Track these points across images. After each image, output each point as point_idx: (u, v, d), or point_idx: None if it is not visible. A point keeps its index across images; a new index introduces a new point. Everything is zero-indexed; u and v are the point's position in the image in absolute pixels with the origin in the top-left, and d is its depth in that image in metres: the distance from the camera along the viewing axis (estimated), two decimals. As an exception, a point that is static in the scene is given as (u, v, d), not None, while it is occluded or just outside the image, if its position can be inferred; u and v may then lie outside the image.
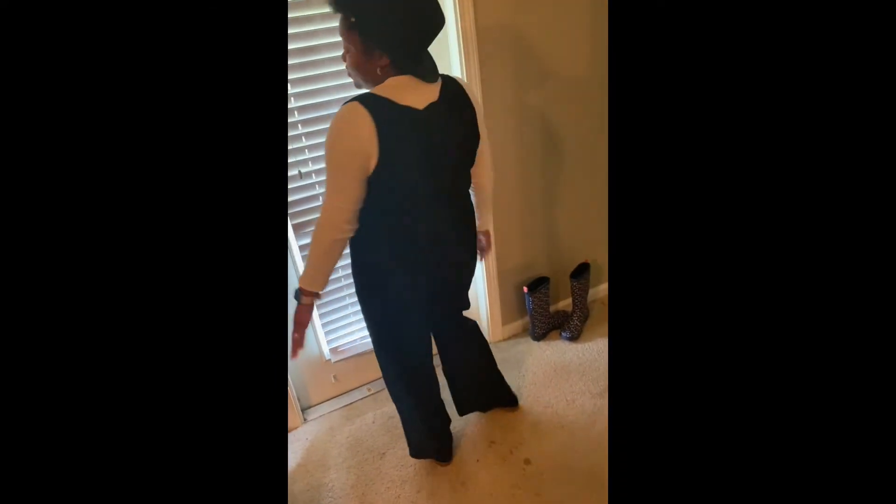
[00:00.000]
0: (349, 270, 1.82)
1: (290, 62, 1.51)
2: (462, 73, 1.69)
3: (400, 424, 1.68)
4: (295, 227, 1.69)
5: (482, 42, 1.68)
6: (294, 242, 1.71)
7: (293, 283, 1.79)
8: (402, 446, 1.77)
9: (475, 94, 1.11)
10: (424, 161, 1.12)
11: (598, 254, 2.32)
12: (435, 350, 1.62)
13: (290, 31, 1.48)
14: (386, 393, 2.04)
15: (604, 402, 1.82)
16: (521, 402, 1.89)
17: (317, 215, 1.70)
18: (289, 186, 1.64)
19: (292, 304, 1.79)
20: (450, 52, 1.72)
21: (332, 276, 1.80)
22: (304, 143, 1.62)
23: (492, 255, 2.04)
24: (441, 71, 1.18)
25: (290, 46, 1.50)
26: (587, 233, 2.25)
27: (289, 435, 1.92)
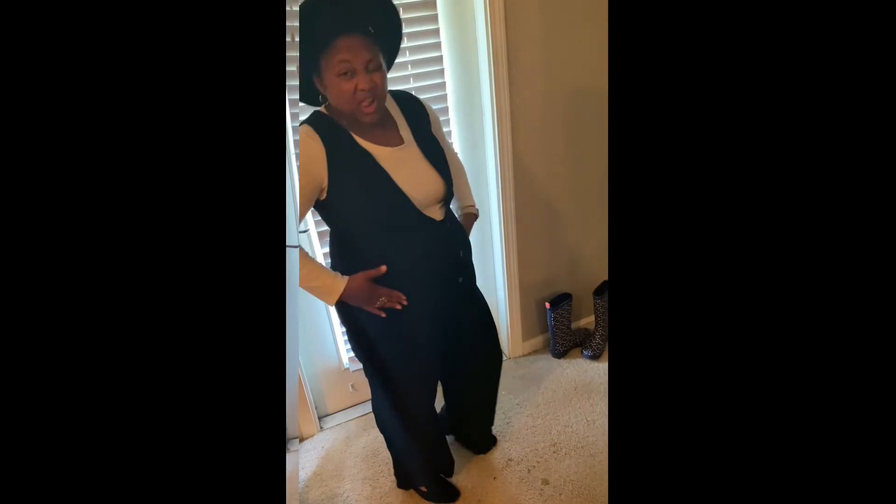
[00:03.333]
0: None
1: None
2: (490, 88, 1.70)
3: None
4: (321, 234, 1.70)
5: (512, 58, 1.69)
6: (319, 250, 1.72)
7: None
8: (419, 460, 1.75)
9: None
10: None
11: (623, 272, 2.29)
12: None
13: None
14: (403, 405, 2.04)
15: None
16: (539, 420, 1.86)
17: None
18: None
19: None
20: (479, 68, 1.73)
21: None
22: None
23: (514, 268, 2.02)
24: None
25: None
26: (612, 250, 2.22)
27: (305, 443, 1.91)
